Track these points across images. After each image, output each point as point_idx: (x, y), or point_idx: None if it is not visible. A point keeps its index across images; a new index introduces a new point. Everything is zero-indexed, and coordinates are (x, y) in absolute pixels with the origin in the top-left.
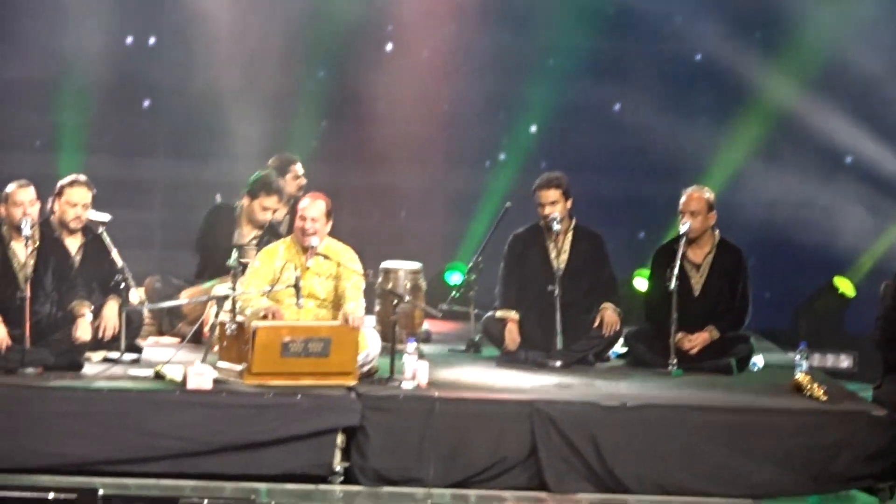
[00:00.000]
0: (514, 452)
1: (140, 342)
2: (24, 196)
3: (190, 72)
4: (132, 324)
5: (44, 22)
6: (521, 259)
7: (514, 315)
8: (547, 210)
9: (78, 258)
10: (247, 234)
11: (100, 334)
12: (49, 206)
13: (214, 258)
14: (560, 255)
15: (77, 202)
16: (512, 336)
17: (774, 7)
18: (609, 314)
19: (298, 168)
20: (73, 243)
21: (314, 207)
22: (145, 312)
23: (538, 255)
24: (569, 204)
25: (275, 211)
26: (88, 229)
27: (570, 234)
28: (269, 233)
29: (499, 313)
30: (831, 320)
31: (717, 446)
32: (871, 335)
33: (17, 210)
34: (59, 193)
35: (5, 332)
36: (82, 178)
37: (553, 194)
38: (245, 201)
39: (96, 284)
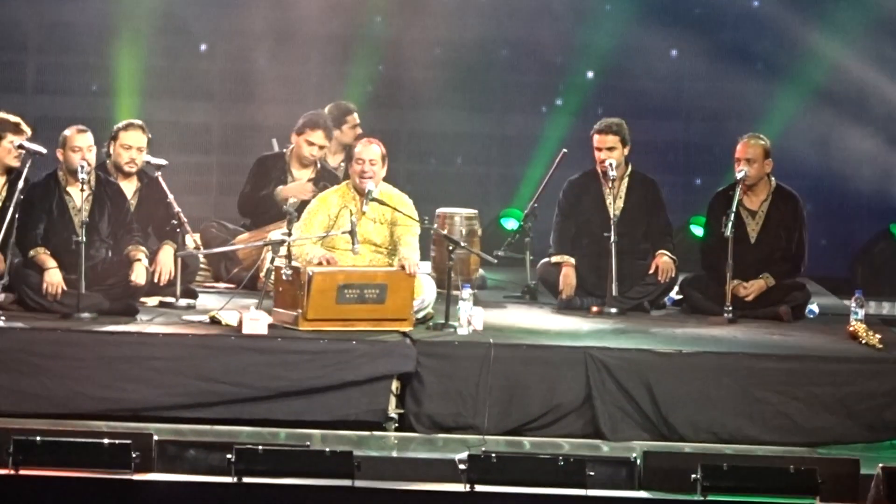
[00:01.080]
0: (568, 399)
1: (196, 287)
2: (83, 141)
3: (247, 16)
4: (187, 269)
5: None
6: (576, 205)
7: (570, 260)
8: (603, 155)
9: (134, 202)
10: (297, 175)
11: (155, 279)
12: (105, 150)
13: (260, 212)
14: (616, 202)
15: (132, 145)
16: (567, 281)
17: None
18: (664, 261)
19: (355, 117)
20: (129, 187)
21: (370, 151)
22: (200, 258)
23: (593, 201)
24: (626, 151)
25: (321, 147)
26: (144, 173)
27: (625, 181)
28: (326, 178)
29: (554, 258)
30: (888, 268)
31: (772, 394)
32: None
33: (74, 155)
34: (115, 137)
35: (61, 276)
36: (137, 122)
37: (611, 140)
38: (293, 139)
39: (152, 229)
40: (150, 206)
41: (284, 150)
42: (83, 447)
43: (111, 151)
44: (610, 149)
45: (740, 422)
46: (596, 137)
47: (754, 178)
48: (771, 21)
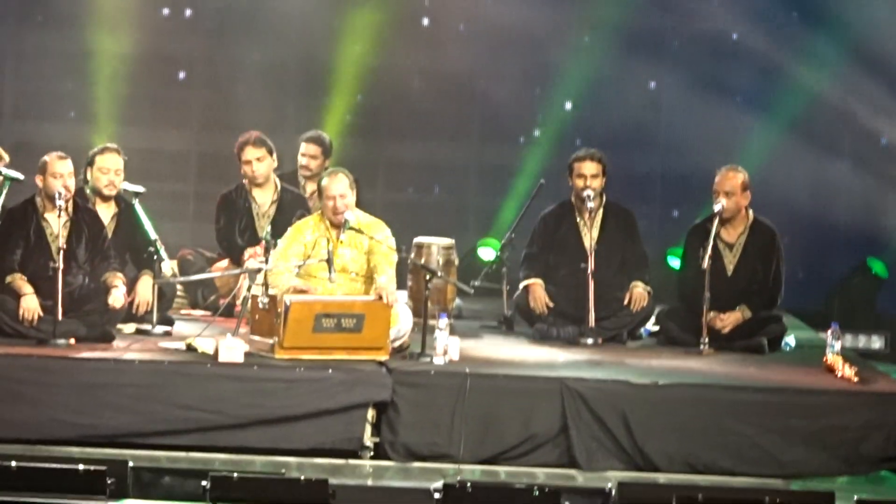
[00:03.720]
0: (544, 429)
1: (172, 315)
2: (63, 168)
3: (225, 44)
4: (164, 297)
5: None
6: (551, 237)
7: (537, 280)
8: (586, 182)
9: (111, 227)
10: (260, 200)
11: (133, 310)
12: (82, 176)
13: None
14: (591, 232)
15: (109, 168)
16: (536, 296)
17: None
18: (638, 292)
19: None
20: (107, 212)
21: (338, 184)
22: (177, 285)
23: (569, 231)
24: (604, 181)
25: (259, 159)
26: (122, 199)
27: (601, 211)
28: (301, 206)
29: (523, 283)
30: (864, 301)
31: (748, 426)
32: None
33: (55, 182)
34: (91, 163)
35: (37, 302)
36: (112, 145)
37: (593, 167)
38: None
39: (129, 255)
40: (127, 231)
41: (243, 182)
42: (58, 473)
43: (88, 177)
44: (593, 176)
45: (715, 453)
46: (577, 165)
47: (732, 210)
48: (749, 54)
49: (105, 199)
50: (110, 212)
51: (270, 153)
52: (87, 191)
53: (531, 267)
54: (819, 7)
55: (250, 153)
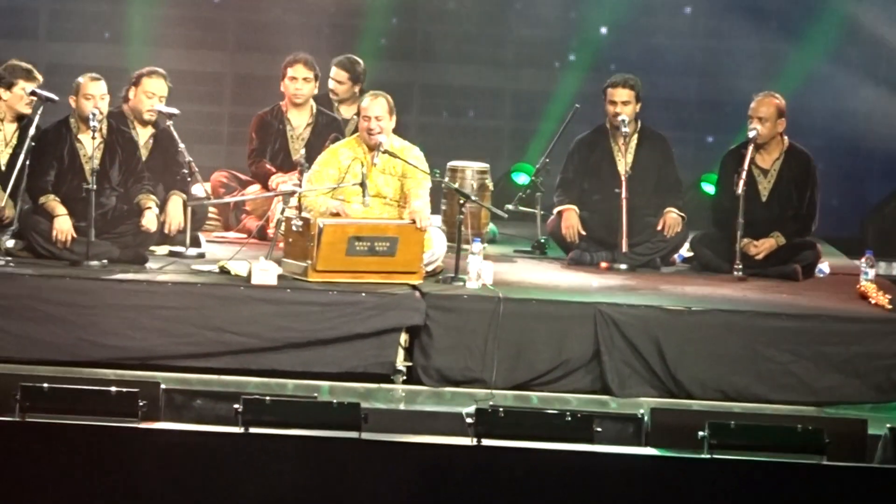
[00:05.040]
0: (576, 355)
1: (204, 236)
2: (96, 89)
3: None
4: (195, 216)
5: None
6: (585, 162)
7: (572, 206)
8: (618, 109)
9: (146, 150)
10: (295, 122)
11: (165, 230)
12: (123, 94)
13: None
14: (626, 157)
15: (155, 93)
16: (569, 223)
17: None
18: (671, 217)
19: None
20: (144, 134)
21: (377, 106)
22: (210, 207)
23: (603, 157)
24: (638, 107)
25: (306, 80)
26: (159, 122)
27: (635, 137)
28: (324, 121)
29: (557, 208)
30: None
31: (781, 352)
32: None
33: (87, 103)
34: (137, 83)
35: (70, 224)
36: (160, 70)
37: (626, 94)
38: (282, 87)
39: (163, 178)
40: (163, 154)
41: (280, 103)
42: (90, 395)
43: (129, 96)
44: (624, 103)
45: (748, 380)
46: (609, 91)
47: (766, 136)
48: None
49: (144, 123)
50: (147, 134)
51: (316, 78)
52: (126, 109)
53: (565, 192)
54: None
55: (300, 71)
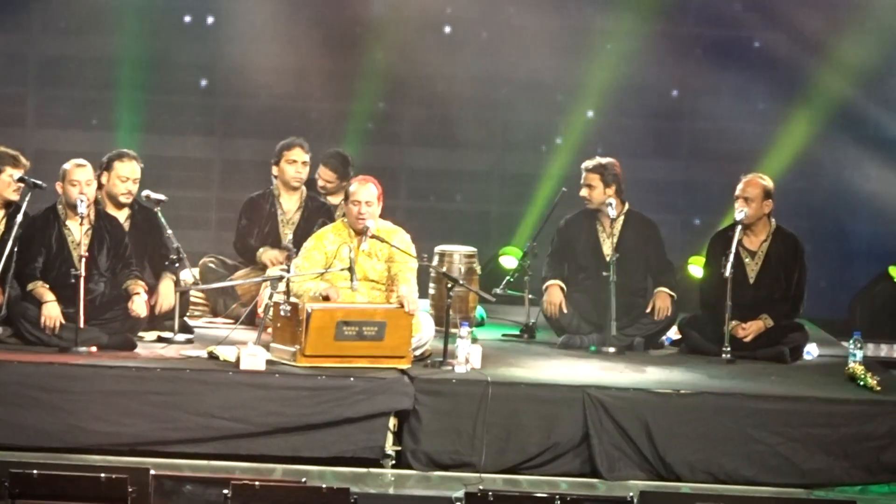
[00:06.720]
0: (566, 438)
1: (193, 321)
2: (81, 175)
3: (247, 52)
4: (181, 302)
5: (103, 0)
6: (570, 242)
7: (557, 282)
8: (584, 192)
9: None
10: (286, 206)
11: (156, 310)
12: (97, 178)
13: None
14: (611, 239)
15: (128, 177)
16: (550, 300)
17: None
18: (662, 298)
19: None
20: (120, 217)
21: (366, 192)
22: (193, 292)
23: (589, 238)
24: (610, 191)
25: (305, 163)
26: (134, 202)
27: (621, 219)
28: (313, 207)
29: (544, 285)
30: (886, 310)
31: (770, 434)
32: None
33: (73, 189)
34: (108, 167)
35: (59, 310)
36: (131, 152)
37: (591, 177)
38: (275, 171)
39: (147, 261)
40: (142, 233)
41: (271, 188)
42: (80, 481)
43: (104, 181)
44: (590, 186)
45: (737, 462)
46: (582, 174)
47: (753, 217)
48: (772, 61)
49: (120, 206)
50: (123, 216)
51: (309, 161)
52: (99, 196)
53: (551, 268)
54: (841, 16)
55: (299, 154)
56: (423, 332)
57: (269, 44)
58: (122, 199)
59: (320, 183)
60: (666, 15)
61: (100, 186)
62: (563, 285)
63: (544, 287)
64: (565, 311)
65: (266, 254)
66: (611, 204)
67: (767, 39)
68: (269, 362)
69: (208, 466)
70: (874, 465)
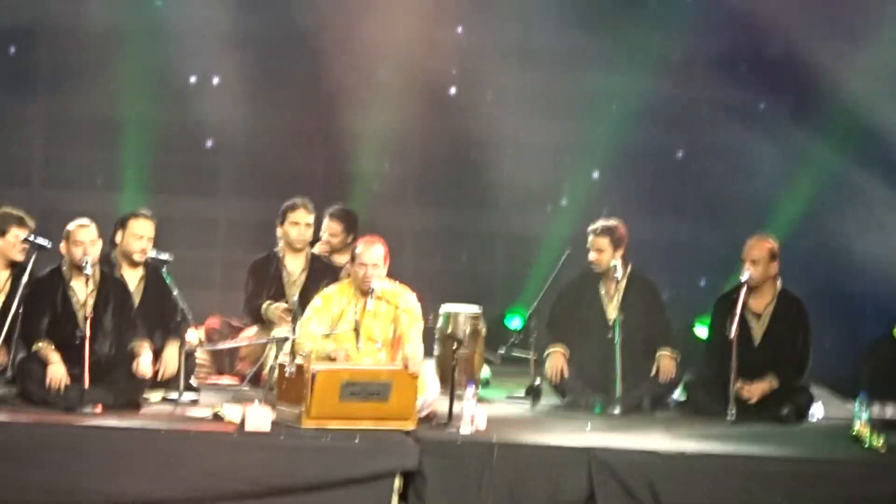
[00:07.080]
0: (571, 500)
1: (197, 382)
2: (85, 235)
3: (253, 112)
4: (186, 364)
5: (107, 61)
6: (573, 306)
7: (559, 348)
8: (592, 255)
9: (138, 292)
10: (291, 268)
11: (159, 377)
12: (111, 237)
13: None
14: (613, 302)
15: (143, 235)
16: (552, 366)
17: (837, 59)
18: (666, 361)
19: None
20: (133, 276)
21: (372, 253)
22: (200, 353)
23: (592, 301)
24: (618, 254)
25: (308, 225)
26: (149, 264)
27: (624, 281)
28: (318, 268)
29: (547, 350)
30: (892, 371)
31: (776, 496)
32: None
33: (77, 249)
34: (124, 226)
35: (64, 370)
36: (147, 211)
37: (600, 242)
38: (279, 233)
39: (155, 322)
40: (154, 297)
41: (276, 249)
42: None
43: (118, 240)
44: (599, 250)
45: None
46: (589, 236)
47: (759, 279)
48: (778, 124)
49: (134, 264)
50: (137, 276)
51: (312, 223)
52: (113, 254)
53: (552, 333)
54: (845, 79)
55: (302, 216)
56: (428, 393)
57: (274, 104)
58: (137, 258)
59: (325, 238)
60: (671, 76)
61: (114, 244)
62: (564, 351)
63: (546, 354)
64: (566, 376)
65: (270, 310)
66: (616, 266)
67: (773, 101)
68: (274, 423)
69: None
70: None
